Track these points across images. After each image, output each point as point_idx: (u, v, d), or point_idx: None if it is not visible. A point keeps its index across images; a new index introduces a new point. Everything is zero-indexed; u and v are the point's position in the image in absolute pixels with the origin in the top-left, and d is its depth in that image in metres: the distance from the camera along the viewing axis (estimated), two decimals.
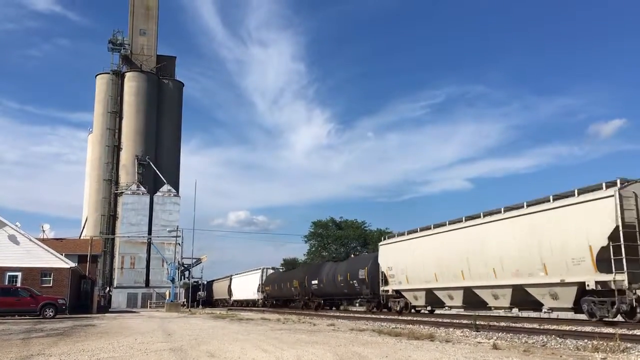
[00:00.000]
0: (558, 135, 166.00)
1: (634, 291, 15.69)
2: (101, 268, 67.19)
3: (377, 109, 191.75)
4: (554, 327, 15.93)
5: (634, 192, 16.25)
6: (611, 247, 16.06)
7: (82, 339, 14.37)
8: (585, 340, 11.17)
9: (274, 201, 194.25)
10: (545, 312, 20.92)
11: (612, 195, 16.21)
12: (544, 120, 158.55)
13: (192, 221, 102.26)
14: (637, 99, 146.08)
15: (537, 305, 20.07)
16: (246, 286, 62.60)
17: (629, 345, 10.28)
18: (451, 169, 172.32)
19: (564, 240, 17.77)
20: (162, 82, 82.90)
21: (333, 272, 37.93)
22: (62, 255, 40.71)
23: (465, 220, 23.58)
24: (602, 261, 16.37)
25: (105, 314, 39.00)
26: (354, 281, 33.43)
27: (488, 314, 23.22)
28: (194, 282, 71.67)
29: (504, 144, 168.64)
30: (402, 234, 28.98)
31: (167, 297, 55.42)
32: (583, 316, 18.21)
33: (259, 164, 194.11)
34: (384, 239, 31.49)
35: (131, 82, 79.72)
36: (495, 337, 13.00)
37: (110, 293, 68.55)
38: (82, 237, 71.14)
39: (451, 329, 16.12)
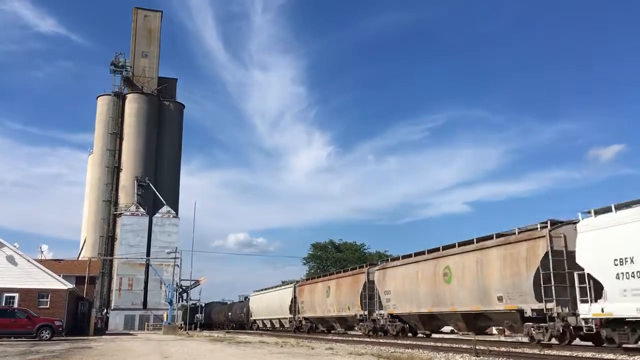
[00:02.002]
0: (557, 160, 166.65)
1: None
2: (99, 289, 66.76)
3: (377, 132, 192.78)
4: (555, 352, 15.83)
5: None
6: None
7: None
8: None
9: (274, 223, 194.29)
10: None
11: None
12: (543, 144, 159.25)
13: (191, 243, 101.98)
14: (636, 125, 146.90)
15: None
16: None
17: None
18: (451, 192, 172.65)
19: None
20: (163, 104, 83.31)
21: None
22: (59, 276, 40.45)
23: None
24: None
25: (103, 336, 38.67)
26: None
27: (487, 339, 23.05)
28: (192, 304, 71.20)
29: (503, 168, 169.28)
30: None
31: (165, 320, 54.99)
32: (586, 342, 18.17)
33: (259, 186, 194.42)
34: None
35: (132, 104, 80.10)
36: None
37: (108, 315, 67.99)
38: (80, 258, 70.83)
39: (451, 354, 16.00)
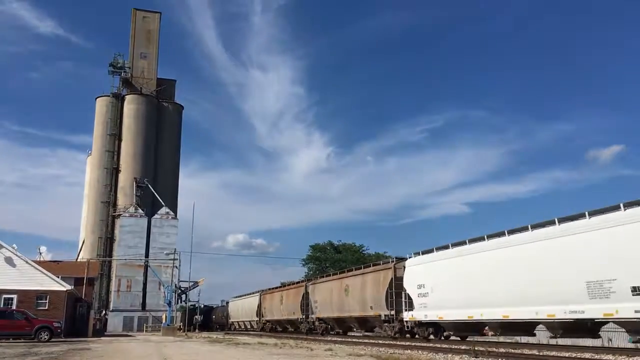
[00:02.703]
0: (557, 161, 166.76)
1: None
2: (97, 291, 66.68)
3: (377, 133, 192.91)
4: (554, 353, 15.83)
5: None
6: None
7: None
8: None
9: (273, 224, 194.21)
10: (551, 337, 20.66)
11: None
12: (542, 145, 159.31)
13: (190, 244, 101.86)
14: (635, 126, 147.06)
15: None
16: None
17: None
18: (450, 193, 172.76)
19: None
20: (161, 105, 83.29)
21: None
22: (58, 277, 40.40)
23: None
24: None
25: (101, 338, 38.64)
26: None
27: (487, 340, 23.04)
28: (191, 305, 71.14)
29: (502, 168, 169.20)
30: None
31: (164, 321, 54.91)
32: (582, 342, 18.15)
33: (258, 187, 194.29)
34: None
35: (131, 105, 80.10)
36: None
37: (106, 316, 67.91)
38: (79, 260, 70.75)
39: (450, 355, 15.99)
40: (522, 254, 19.37)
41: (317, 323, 38.91)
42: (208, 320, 78.47)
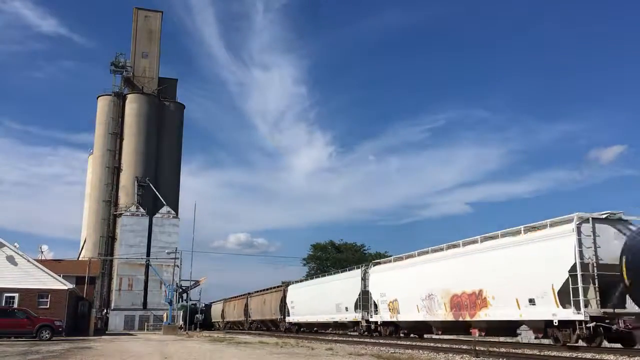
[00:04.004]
0: (558, 160, 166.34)
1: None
2: (99, 290, 66.74)
3: (378, 133, 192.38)
4: (554, 353, 15.84)
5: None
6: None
7: None
8: None
9: (274, 223, 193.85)
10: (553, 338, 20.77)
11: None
12: (544, 145, 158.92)
13: (191, 243, 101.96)
14: (637, 126, 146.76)
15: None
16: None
17: None
18: (452, 192, 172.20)
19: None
20: (163, 104, 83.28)
21: None
22: (59, 276, 40.44)
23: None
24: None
25: (102, 336, 38.68)
26: None
27: (486, 340, 23.04)
28: (192, 304, 71.18)
29: (504, 168, 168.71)
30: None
31: (165, 320, 54.95)
32: (582, 342, 18.17)
33: (260, 186, 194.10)
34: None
35: (132, 104, 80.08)
36: None
37: (108, 315, 67.97)
38: (80, 259, 70.87)
39: (451, 354, 16.00)
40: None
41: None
42: (209, 319, 79.39)
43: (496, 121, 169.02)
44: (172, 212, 75.85)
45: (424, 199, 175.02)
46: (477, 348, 16.24)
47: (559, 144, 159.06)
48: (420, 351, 17.60)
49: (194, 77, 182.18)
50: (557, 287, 18.26)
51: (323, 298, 39.40)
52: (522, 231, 20.61)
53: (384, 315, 30.72)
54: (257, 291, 59.42)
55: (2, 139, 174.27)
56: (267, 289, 55.92)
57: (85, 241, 78.22)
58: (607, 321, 17.24)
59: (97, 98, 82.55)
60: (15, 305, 36.09)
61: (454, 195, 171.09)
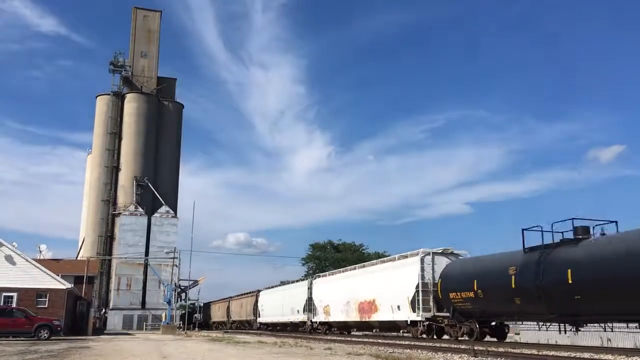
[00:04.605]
0: (558, 160, 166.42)
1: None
2: (97, 289, 66.66)
3: (378, 132, 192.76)
4: (553, 353, 15.87)
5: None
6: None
7: None
8: None
9: (273, 223, 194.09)
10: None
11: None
12: (543, 144, 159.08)
13: (190, 243, 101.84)
14: (637, 126, 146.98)
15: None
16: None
17: None
18: (451, 192, 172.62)
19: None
20: (162, 104, 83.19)
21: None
22: (58, 276, 40.44)
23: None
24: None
25: (101, 336, 38.67)
26: None
27: (486, 339, 23.08)
28: (191, 304, 71.22)
29: (503, 168, 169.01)
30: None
31: (163, 319, 54.94)
32: (582, 342, 18.22)
33: (259, 186, 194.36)
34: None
35: (131, 104, 79.98)
36: None
37: (106, 315, 67.94)
38: (78, 258, 70.75)
39: (449, 354, 16.02)
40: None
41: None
42: (207, 318, 79.45)
43: (496, 121, 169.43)
44: (171, 211, 75.82)
45: (424, 199, 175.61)
46: (475, 348, 16.26)
47: (558, 144, 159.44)
48: (419, 351, 17.63)
49: (193, 76, 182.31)
50: (410, 298, 26.79)
51: (283, 302, 47.86)
52: (397, 258, 30.06)
53: (321, 316, 39.64)
54: (237, 295, 68.19)
55: (1, 138, 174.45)
56: (245, 294, 63.90)
57: (83, 240, 78.13)
58: (439, 320, 25.84)
59: (96, 97, 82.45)
60: (14, 305, 36.08)
61: (454, 195, 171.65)
